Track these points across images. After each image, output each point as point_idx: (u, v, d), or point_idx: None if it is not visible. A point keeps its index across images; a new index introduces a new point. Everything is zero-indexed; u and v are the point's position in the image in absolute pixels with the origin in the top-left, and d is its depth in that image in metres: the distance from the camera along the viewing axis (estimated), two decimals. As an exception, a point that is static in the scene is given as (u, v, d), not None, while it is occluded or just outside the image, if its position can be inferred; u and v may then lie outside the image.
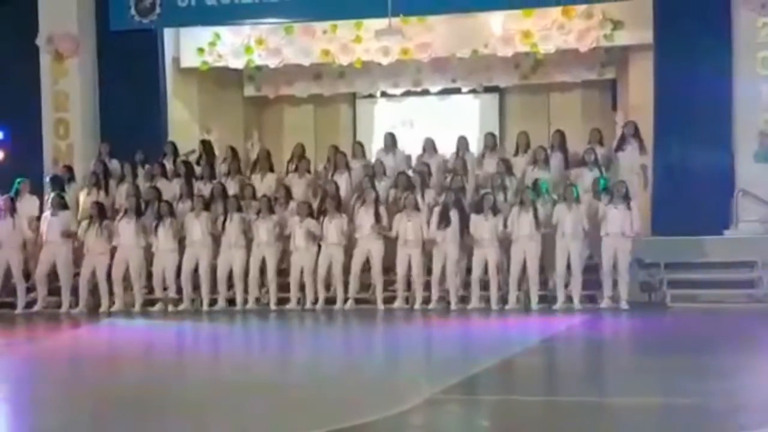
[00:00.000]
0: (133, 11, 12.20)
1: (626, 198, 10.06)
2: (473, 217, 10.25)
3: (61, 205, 11.02)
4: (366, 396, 6.09)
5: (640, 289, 10.51)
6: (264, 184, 11.36)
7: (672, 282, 10.31)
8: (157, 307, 10.78)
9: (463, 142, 11.53)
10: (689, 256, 10.45)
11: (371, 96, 14.04)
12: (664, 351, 7.78)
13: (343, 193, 10.94)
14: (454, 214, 10.27)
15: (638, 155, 10.83)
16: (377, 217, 10.45)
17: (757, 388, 6.16)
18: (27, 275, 11.10)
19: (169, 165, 11.73)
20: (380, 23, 11.78)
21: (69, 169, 11.84)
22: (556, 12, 11.95)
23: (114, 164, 11.84)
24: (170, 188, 11.37)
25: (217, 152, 12.15)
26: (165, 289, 10.76)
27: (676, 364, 6.97)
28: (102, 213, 10.90)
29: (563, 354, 8.00)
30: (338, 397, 6.12)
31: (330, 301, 10.59)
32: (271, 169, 11.60)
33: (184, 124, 13.12)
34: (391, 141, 11.67)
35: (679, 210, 10.66)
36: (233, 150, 11.94)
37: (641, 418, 5.50)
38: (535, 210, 10.12)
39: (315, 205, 10.87)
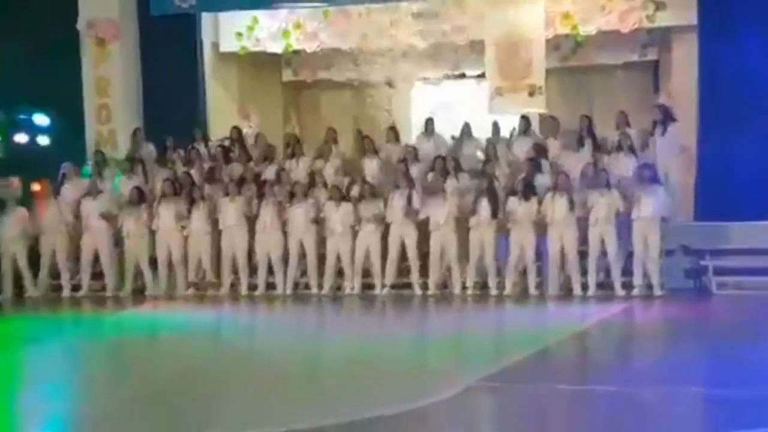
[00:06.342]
0: (172, -5, 12.24)
1: (654, 181, 9.90)
2: (510, 201, 10.18)
3: (99, 189, 11.14)
4: (404, 384, 6.09)
5: (685, 276, 10.36)
6: (300, 168, 11.39)
7: (717, 268, 10.13)
8: (191, 290, 10.84)
9: (495, 127, 11.45)
10: (734, 242, 10.25)
11: (408, 80, 13.96)
12: (706, 339, 7.68)
13: (373, 178, 10.93)
14: (486, 200, 10.20)
15: (676, 138, 10.64)
16: (410, 203, 10.40)
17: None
18: (76, 259, 11.24)
19: (202, 149, 11.80)
20: (417, 6, 11.70)
21: (102, 154, 11.90)
22: (597, -7, 11.75)
23: (150, 148, 11.93)
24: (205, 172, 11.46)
25: (251, 140, 12.14)
26: (203, 273, 10.85)
27: (716, 353, 6.87)
28: (141, 197, 11.02)
29: (604, 342, 7.92)
30: (375, 385, 6.12)
31: (368, 286, 10.58)
32: (302, 153, 11.60)
33: (223, 108, 13.18)
34: (431, 126, 11.62)
35: (724, 195, 10.46)
36: (267, 143, 11.93)
37: (681, 407, 5.43)
38: (570, 194, 10.02)
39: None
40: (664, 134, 10.53)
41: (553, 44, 12.53)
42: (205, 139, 11.93)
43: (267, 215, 10.67)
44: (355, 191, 10.75)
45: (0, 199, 11.45)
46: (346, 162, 11.45)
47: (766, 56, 10.68)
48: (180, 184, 11.05)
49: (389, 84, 13.01)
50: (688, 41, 11.55)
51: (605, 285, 10.07)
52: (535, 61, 11.93)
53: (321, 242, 10.68)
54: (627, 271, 10.08)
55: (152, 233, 10.92)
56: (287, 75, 13.92)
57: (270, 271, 10.82)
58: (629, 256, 10.08)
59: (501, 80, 12.04)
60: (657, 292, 9.87)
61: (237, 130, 12.13)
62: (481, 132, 11.71)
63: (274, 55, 13.36)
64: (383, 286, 10.51)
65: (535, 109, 12.04)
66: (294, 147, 11.62)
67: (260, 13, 12.70)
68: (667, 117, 10.61)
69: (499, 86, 12.05)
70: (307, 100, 14.40)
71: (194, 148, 11.71)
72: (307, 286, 10.75)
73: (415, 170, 10.87)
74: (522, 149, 10.97)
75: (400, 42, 12.46)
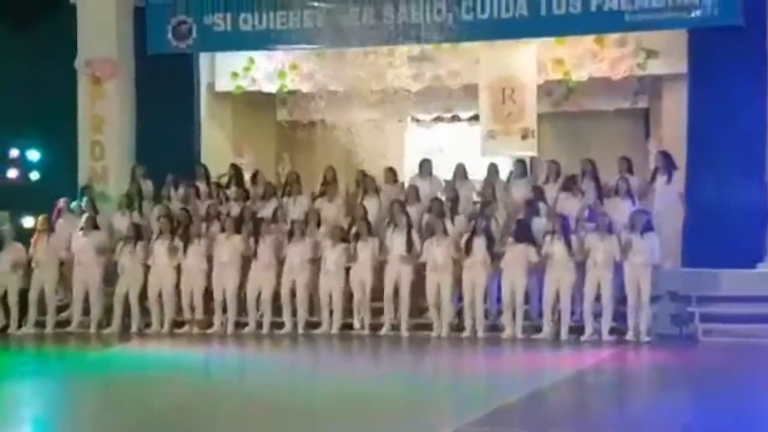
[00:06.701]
0: (170, 36, 12.40)
1: (647, 228, 9.97)
2: (510, 243, 10.21)
3: (94, 226, 11.16)
4: (394, 425, 6.07)
5: (671, 322, 10.38)
6: (296, 207, 11.44)
7: (704, 315, 10.16)
8: (184, 328, 10.86)
9: (493, 169, 11.55)
10: (722, 289, 10.29)
11: (402, 121, 14.10)
12: (695, 386, 7.69)
13: (372, 217, 10.99)
14: (480, 241, 10.25)
15: (667, 185, 10.75)
16: (409, 243, 10.45)
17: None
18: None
19: (202, 187, 11.87)
20: (412, 50, 11.86)
21: (92, 189, 11.92)
22: (588, 40, 11.93)
23: (148, 185, 11.97)
24: (203, 210, 11.51)
25: (246, 176, 12.24)
26: (192, 310, 10.84)
27: (704, 400, 6.87)
28: (138, 234, 11.04)
29: (591, 388, 7.92)
30: (364, 426, 6.10)
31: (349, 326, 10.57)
32: (300, 192, 11.68)
33: (218, 146, 13.26)
34: (428, 167, 11.72)
35: (712, 242, 10.53)
36: (267, 180, 12.03)
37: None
38: (568, 238, 10.07)
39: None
40: (670, 182, 10.65)
41: (546, 90, 12.70)
42: (207, 177, 11.99)
43: (265, 253, 10.69)
44: (353, 229, 10.77)
45: None
46: (348, 201, 11.50)
47: (754, 104, 10.83)
48: (177, 222, 11.08)
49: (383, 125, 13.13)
50: (678, 89, 11.72)
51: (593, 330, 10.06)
52: (527, 105, 12.12)
53: (316, 281, 10.67)
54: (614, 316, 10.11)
55: (147, 270, 10.90)
56: (282, 115, 14.05)
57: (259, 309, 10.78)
58: (621, 301, 10.10)
59: (494, 123, 12.20)
60: (644, 338, 9.89)
61: (235, 167, 12.20)
62: (473, 174, 11.80)
63: (269, 94, 13.50)
64: (370, 326, 10.47)
65: (527, 152, 12.18)
66: (292, 185, 11.67)
67: (257, 54, 12.84)
68: (670, 164, 10.72)
69: (492, 129, 12.20)
70: (301, 139, 14.51)
71: (194, 185, 11.76)
72: (295, 325, 10.71)
73: (413, 211, 10.92)
74: (520, 192, 11.05)
75: (395, 84, 12.60)
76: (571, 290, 10.05)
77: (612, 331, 10.04)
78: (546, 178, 11.34)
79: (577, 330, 10.12)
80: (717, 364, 8.86)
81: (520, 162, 11.65)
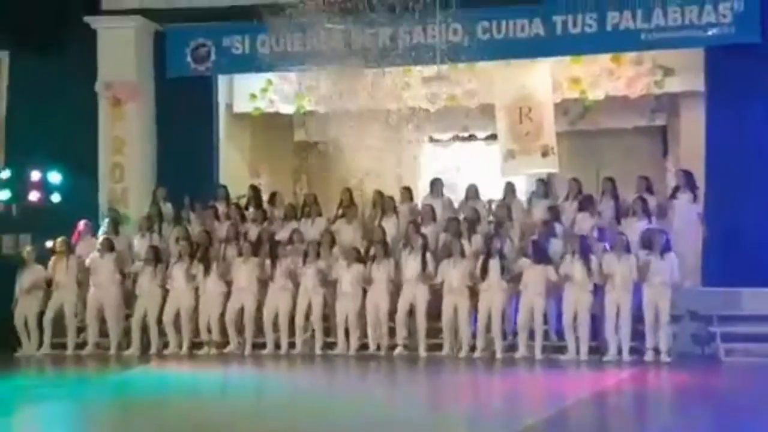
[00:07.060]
0: (189, 59, 12.55)
1: (666, 248, 9.90)
2: (521, 262, 10.18)
3: (110, 247, 11.25)
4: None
5: (693, 342, 10.29)
6: (314, 228, 11.47)
7: (725, 335, 10.06)
8: (203, 350, 10.89)
9: (509, 188, 11.53)
10: (743, 309, 10.20)
11: (418, 141, 14.11)
12: (718, 408, 7.60)
13: (390, 237, 11.00)
14: (496, 263, 10.21)
15: (692, 204, 10.70)
16: (424, 263, 10.45)
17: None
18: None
19: (221, 208, 11.93)
20: (429, 70, 11.90)
21: (116, 211, 12.06)
22: (605, 58, 11.93)
23: (168, 208, 12.04)
24: (222, 231, 11.56)
25: (264, 196, 12.30)
26: (209, 332, 10.87)
27: (725, 423, 6.79)
28: (157, 256, 11.10)
29: (611, 409, 7.84)
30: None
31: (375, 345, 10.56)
32: (320, 214, 11.72)
33: (236, 168, 13.35)
34: (439, 186, 11.72)
35: (732, 260, 10.46)
36: (288, 203, 12.07)
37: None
38: (587, 258, 10.02)
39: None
40: (695, 200, 10.59)
41: (562, 108, 12.70)
42: (227, 198, 12.05)
43: (281, 275, 10.72)
44: (371, 251, 10.77)
45: (18, 257, 11.54)
46: (365, 223, 11.50)
47: (772, 122, 10.79)
48: (197, 244, 11.13)
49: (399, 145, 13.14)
50: (695, 107, 11.69)
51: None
52: (545, 122, 12.11)
53: (333, 303, 10.67)
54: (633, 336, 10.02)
55: (165, 293, 10.95)
56: (299, 135, 14.12)
57: (276, 330, 10.79)
58: (639, 321, 10.03)
59: (513, 143, 12.19)
60: (664, 358, 9.80)
61: (254, 188, 12.27)
62: (491, 194, 11.79)
63: (287, 115, 13.58)
64: (393, 347, 10.46)
65: (549, 169, 12.15)
66: (310, 207, 11.70)
67: (274, 76, 12.94)
68: (692, 183, 10.67)
69: (512, 149, 12.19)
70: (319, 160, 14.56)
71: (213, 206, 11.82)
72: (311, 347, 10.71)
73: (429, 231, 10.90)
74: (540, 212, 11.01)
75: (411, 104, 12.63)
76: (589, 311, 9.99)
77: (633, 351, 9.97)
78: (566, 196, 11.30)
79: (596, 350, 10.06)
80: (740, 385, 8.76)
81: (541, 182, 11.63)
